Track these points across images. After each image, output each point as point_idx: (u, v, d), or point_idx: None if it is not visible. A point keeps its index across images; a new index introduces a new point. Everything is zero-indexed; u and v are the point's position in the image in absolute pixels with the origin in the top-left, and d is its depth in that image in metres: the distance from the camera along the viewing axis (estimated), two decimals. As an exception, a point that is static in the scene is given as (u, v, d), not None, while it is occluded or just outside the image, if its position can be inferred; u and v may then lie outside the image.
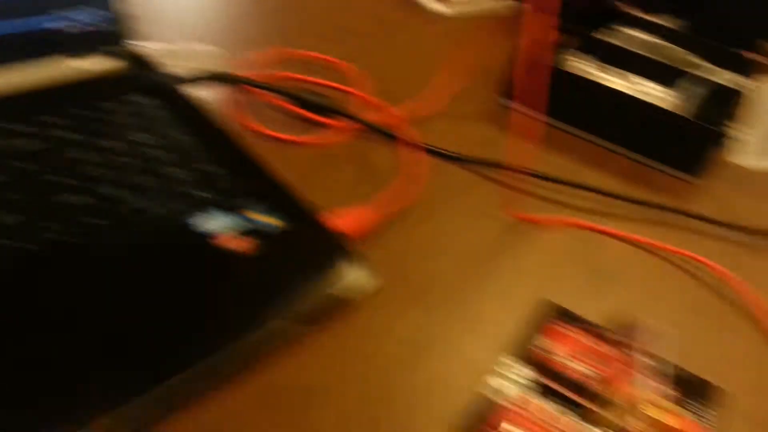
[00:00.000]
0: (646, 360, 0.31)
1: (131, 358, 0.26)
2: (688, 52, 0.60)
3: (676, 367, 0.31)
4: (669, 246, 0.41)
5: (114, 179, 0.33)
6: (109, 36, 0.43)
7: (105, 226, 0.31)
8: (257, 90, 0.48)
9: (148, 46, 0.47)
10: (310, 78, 0.51)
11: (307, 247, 0.33)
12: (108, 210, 0.32)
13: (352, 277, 0.31)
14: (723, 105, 0.50)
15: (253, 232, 0.32)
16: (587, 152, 0.50)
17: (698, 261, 0.40)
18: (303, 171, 0.41)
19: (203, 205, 0.33)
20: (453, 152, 0.45)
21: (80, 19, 0.42)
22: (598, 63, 0.56)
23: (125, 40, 0.43)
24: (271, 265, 0.31)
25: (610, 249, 0.40)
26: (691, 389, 0.30)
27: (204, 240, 0.31)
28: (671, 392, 0.30)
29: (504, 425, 0.27)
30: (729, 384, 0.31)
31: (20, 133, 0.35)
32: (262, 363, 0.29)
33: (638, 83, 0.55)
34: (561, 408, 0.28)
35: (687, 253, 0.41)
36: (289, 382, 0.28)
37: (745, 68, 0.58)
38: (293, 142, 0.44)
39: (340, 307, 0.32)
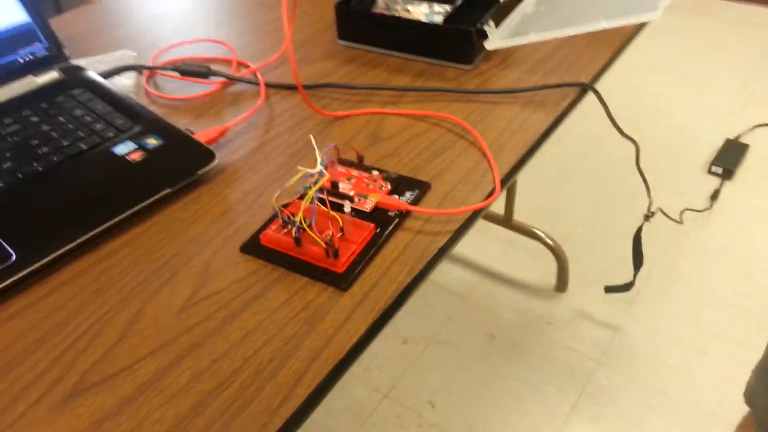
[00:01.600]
0: (377, 173, 0.52)
1: (78, 217, 0.49)
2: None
3: (399, 175, 0.53)
4: (431, 113, 0.62)
5: (65, 136, 0.57)
6: (53, 58, 0.66)
7: (63, 160, 0.54)
8: (155, 71, 0.70)
9: (81, 60, 0.70)
10: (194, 57, 0.74)
11: (177, 151, 0.55)
12: (63, 152, 0.55)
13: (205, 162, 0.54)
14: (482, 10, 0.71)
15: (143, 148, 0.55)
16: (394, 64, 0.71)
17: (449, 119, 0.61)
18: (191, 114, 0.64)
19: (115, 139, 0.56)
20: (288, 84, 0.67)
21: (33, 51, 0.65)
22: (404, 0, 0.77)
23: (64, 59, 0.66)
24: (155, 162, 0.54)
25: (389, 122, 0.62)
26: (408, 185, 0.52)
27: (116, 157, 0.54)
28: (389, 188, 0.51)
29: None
30: (439, 181, 0.53)
31: (9, 124, 0.58)
32: (158, 213, 0.51)
33: (433, 7, 0.75)
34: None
35: (443, 114, 0.61)
36: (172, 218, 0.51)
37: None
38: (184, 99, 0.66)
39: (199, 181, 0.54)
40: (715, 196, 1.57)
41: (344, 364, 0.39)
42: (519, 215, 1.42)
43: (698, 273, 1.38)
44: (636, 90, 1.98)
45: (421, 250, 0.47)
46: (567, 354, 1.23)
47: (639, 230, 0.96)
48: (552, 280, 1.37)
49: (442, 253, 0.47)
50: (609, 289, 1.10)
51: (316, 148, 0.45)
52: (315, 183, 0.44)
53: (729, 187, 1.60)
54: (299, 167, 0.44)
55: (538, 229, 1.37)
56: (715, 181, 1.62)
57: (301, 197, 0.46)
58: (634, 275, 1.03)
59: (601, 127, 1.78)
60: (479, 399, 1.16)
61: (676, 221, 1.49)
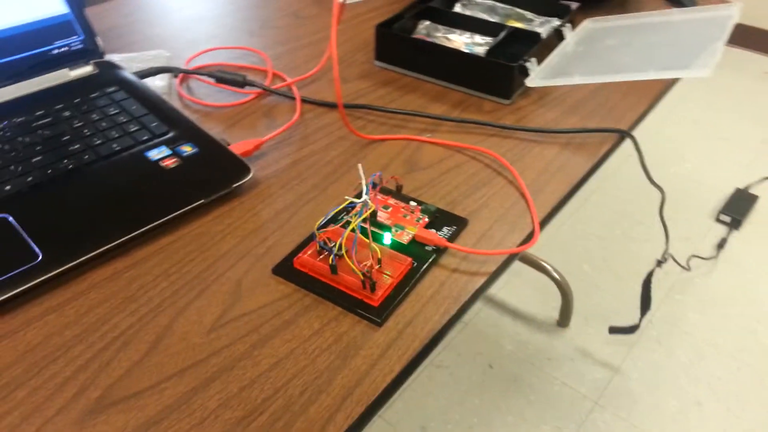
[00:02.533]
0: (414, 204, 0.51)
1: (109, 221, 0.47)
2: (518, 8, 0.80)
3: (437, 208, 0.52)
4: (469, 145, 0.61)
5: (97, 134, 0.55)
6: (88, 52, 0.65)
7: (94, 159, 0.53)
8: (191, 75, 0.69)
9: (114, 56, 0.69)
10: (228, 63, 0.73)
11: (212, 161, 0.54)
12: (95, 151, 0.54)
13: (240, 175, 0.53)
14: (525, 45, 0.70)
15: (177, 155, 0.54)
16: (432, 91, 0.70)
17: (487, 153, 0.60)
18: (224, 122, 0.63)
19: (149, 143, 0.55)
20: (324, 101, 0.66)
21: (69, 44, 0.64)
22: (446, 28, 0.76)
23: (99, 54, 0.65)
24: (189, 171, 0.52)
25: (426, 151, 0.61)
26: (445, 219, 0.51)
27: (150, 161, 0.53)
28: (427, 220, 0.50)
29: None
30: (477, 218, 0.52)
31: (41, 116, 0.57)
32: (189, 223, 0.50)
33: (474, 38, 0.75)
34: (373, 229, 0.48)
35: (481, 148, 0.61)
36: (204, 230, 0.50)
37: (562, 14, 0.78)
38: (217, 107, 0.65)
39: (232, 194, 0.53)
40: (721, 244, 1.57)
41: (377, 404, 0.38)
42: (527, 246, 1.41)
43: (701, 322, 1.37)
44: (652, 133, 1.99)
45: (457, 290, 0.46)
46: (565, 392, 1.22)
47: (650, 274, 0.96)
48: (555, 314, 1.36)
49: (478, 294, 0.46)
50: (613, 330, 1.09)
51: (362, 177, 0.44)
52: (358, 213, 0.43)
53: (736, 236, 1.60)
54: (346, 197, 0.43)
55: (545, 262, 1.36)
56: (722, 230, 1.62)
57: (342, 224, 0.45)
58: (640, 318, 1.02)
59: (621, 167, 1.78)
60: (474, 430, 1.15)
61: (684, 267, 1.49)
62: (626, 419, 1.17)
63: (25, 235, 0.46)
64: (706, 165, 1.86)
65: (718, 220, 1.65)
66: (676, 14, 0.74)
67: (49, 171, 0.52)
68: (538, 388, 1.22)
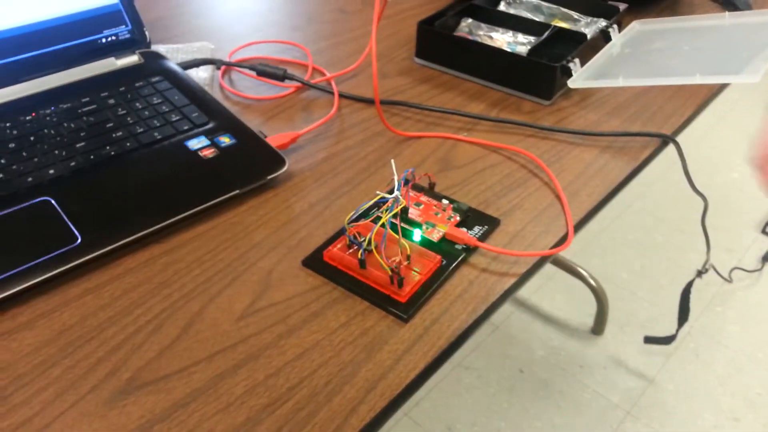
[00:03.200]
0: (447, 202, 0.51)
1: (147, 207, 0.49)
2: (565, 8, 0.78)
3: (469, 207, 0.51)
4: (505, 146, 0.60)
5: (140, 123, 0.57)
6: (135, 42, 0.66)
7: (136, 147, 0.54)
8: (233, 68, 0.70)
9: (160, 47, 0.71)
10: (270, 57, 0.74)
11: (248, 152, 0.55)
12: (137, 138, 0.55)
13: (275, 168, 0.53)
14: (569, 46, 0.69)
15: (216, 145, 0.55)
16: (470, 90, 0.70)
17: (524, 154, 0.60)
18: (263, 115, 0.64)
19: (189, 133, 0.56)
20: (361, 96, 0.67)
21: (116, 33, 0.66)
22: (489, 26, 0.76)
23: (145, 44, 0.67)
24: (226, 161, 0.53)
25: (462, 150, 0.60)
26: (477, 219, 0.51)
27: (189, 151, 0.54)
28: (458, 219, 0.50)
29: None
30: (509, 218, 0.51)
31: (87, 103, 0.59)
32: (224, 212, 0.51)
33: (517, 37, 0.74)
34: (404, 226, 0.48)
35: (517, 149, 0.60)
36: (238, 220, 0.51)
37: (610, 15, 0.76)
38: (257, 99, 0.66)
39: (267, 186, 0.54)
40: (767, 257, 1.52)
41: (400, 399, 0.38)
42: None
43: (741, 336, 1.33)
44: (699, 139, 1.94)
45: (485, 290, 0.45)
46: (597, 400, 1.20)
47: (689, 284, 0.93)
48: (589, 321, 1.34)
49: (507, 295, 0.46)
50: (648, 340, 1.07)
51: (395, 173, 0.44)
52: (389, 208, 0.43)
53: (783, 250, 1.55)
54: (377, 192, 0.43)
55: (581, 268, 1.34)
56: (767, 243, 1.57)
57: (372, 219, 0.45)
58: (677, 329, 1.00)
59: (666, 173, 1.74)
60: (501, 433, 1.14)
61: (726, 279, 1.45)
62: (659, 431, 1.15)
63: (65, 218, 0.48)
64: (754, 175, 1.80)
65: (764, 232, 1.59)
66: (729, 18, 0.71)
67: (92, 157, 0.53)
68: (568, 395, 1.21)
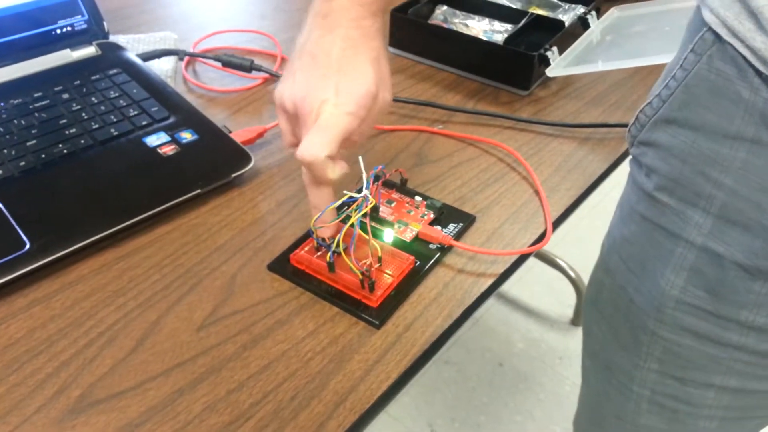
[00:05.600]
0: (420, 199, 0.49)
1: (101, 209, 0.45)
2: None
3: (443, 204, 0.49)
4: (482, 138, 0.58)
5: (95, 118, 0.53)
6: (92, 32, 0.63)
7: (90, 145, 0.51)
8: (197, 58, 0.67)
9: (120, 37, 0.67)
10: (237, 47, 0.70)
11: (211, 149, 0.52)
12: (92, 135, 0.52)
13: (240, 165, 0.51)
14: (547, 34, 0.67)
15: (176, 142, 0.52)
16: (446, 80, 0.67)
17: (501, 147, 0.57)
18: (228, 108, 0.61)
19: (148, 129, 0.53)
20: (335, 88, 0.64)
21: (72, 24, 0.62)
22: (465, 13, 0.73)
23: (103, 35, 0.63)
24: (188, 159, 0.50)
25: (437, 143, 0.58)
26: (452, 216, 0.48)
27: (147, 148, 0.51)
28: (432, 217, 0.48)
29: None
30: (486, 215, 0.49)
31: (39, 98, 0.55)
32: (185, 213, 0.48)
33: (493, 24, 0.72)
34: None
35: (494, 142, 0.58)
36: (200, 221, 0.48)
37: (588, 2, 0.74)
38: (222, 92, 0.63)
39: (231, 184, 0.51)
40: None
41: (371, 412, 0.36)
42: (542, 242, 1.38)
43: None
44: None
45: (462, 292, 0.43)
46: (576, 392, 1.19)
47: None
48: (569, 312, 1.33)
49: (484, 298, 0.43)
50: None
51: (363, 171, 0.41)
52: (358, 208, 0.41)
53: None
54: (345, 191, 0.41)
55: (560, 259, 1.33)
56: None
57: (341, 219, 0.43)
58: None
59: (634, 160, 1.73)
60: (482, 430, 1.13)
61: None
62: (639, 422, 1.14)
63: (13, 222, 0.44)
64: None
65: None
66: None
67: (43, 156, 0.50)
68: (548, 388, 1.20)
